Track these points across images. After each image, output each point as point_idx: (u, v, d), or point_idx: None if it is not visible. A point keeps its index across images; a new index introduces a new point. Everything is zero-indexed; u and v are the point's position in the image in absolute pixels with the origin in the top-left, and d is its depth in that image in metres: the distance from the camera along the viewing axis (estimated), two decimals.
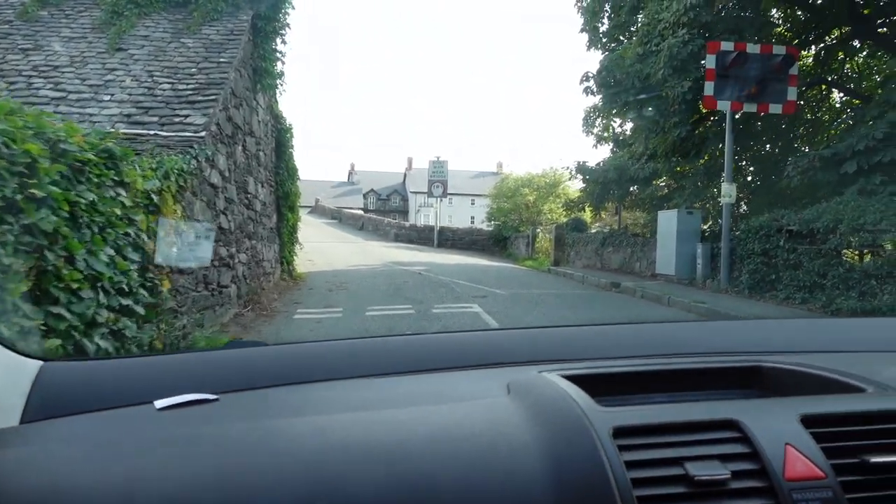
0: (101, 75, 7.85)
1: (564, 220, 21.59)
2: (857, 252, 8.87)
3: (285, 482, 0.73)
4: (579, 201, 19.97)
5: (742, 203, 14.93)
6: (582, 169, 17.48)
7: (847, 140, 9.81)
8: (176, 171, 5.26)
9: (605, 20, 15.06)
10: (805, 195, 11.62)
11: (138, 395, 0.98)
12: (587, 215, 21.13)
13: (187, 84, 7.82)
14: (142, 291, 3.83)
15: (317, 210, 47.80)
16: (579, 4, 15.38)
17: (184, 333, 4.98)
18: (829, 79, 14.51)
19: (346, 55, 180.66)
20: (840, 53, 14.47)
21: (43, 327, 2.50)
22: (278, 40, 10.23)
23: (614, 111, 15.21)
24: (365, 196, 64.69)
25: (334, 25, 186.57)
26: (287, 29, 10.26)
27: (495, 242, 25.33)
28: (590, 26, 15.16)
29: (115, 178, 3.62)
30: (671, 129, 12.04)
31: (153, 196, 4.47)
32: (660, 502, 0.73)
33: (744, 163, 15.62)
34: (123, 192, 3.73)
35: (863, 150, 9.38)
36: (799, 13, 13.95)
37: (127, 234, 3.64)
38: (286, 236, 12.26)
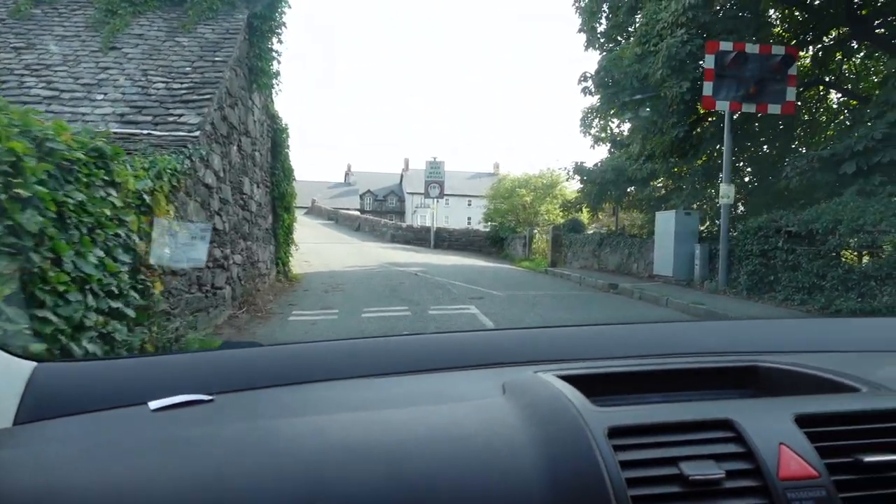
0: (94, 74, 7.76)
1: (561, 221, 21.55)
2: (856, 253, 8.82)
3: (283, 482, 0.73)
4: (577, 202, 19.93)
5: (739, 204, 14.90)
6: (579, 169, 17.45)
7: (846, 141, 9.77)
8: (169, 170, 5.18)
9: (603, 20, 15.02)
10: (803, 196, 11.59)
11: (132, 396, 0.97)
12: (584, 216, 21.09)
13: (182, 83, 7.74)
14: (132, 294, 3.75)
15: (313, 211, 47.69)
16: (577, 4, 15.35)
17: (176, 336, 4.89)
18: (827, 79, 14.49)
19: (342, 55, 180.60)
20: (838, 54, 14.45)
21: (28, 331, 2.42)
22: (274, 39, 10.18)
23: (612, 111, 15.18)
24: (361, 197, 64.59)
25: (330, 25, 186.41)
26: (283, 28, 10.22)
27: (492, 243, 25.27)
28: (588, 26, 15.12)
29: (106, 177, 3.54)
30: (669, 130, 11.99)
31: (145, 196, 4.39)
32: (654, 502, 0.72)
33: (741, 164, 15.59)
34: (114, 192, 3.65)
35: (862, 151, 9.34)
36: (797, 14, 13.93)
37: (117, 235, 3.56)
38: (282, 237, 12.18)
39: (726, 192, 10.74)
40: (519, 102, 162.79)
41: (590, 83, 14.07)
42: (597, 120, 17.17)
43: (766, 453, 0.77)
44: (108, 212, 3.41)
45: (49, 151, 2.87)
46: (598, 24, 15.16)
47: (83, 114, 6.81)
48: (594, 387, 0.94)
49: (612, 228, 18.57)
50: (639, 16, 13.14)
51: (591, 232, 19.09)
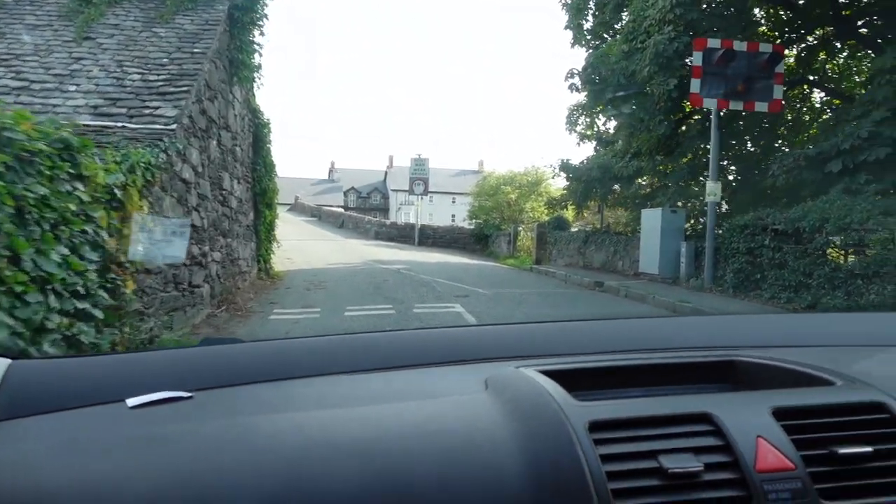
0: (66, 65, 7.49)
1: (546, 218, 21.48)
2: (842, 251, 8.81)
3: (262, 479, 0.72)
4: (562, 199, 19.85)
5: (723, 202, 14.89)
6: (565, 167, 17.35)
7: (832, 139, 9.76)
8: (143, 164, 4.96)
9: (590, 17, 14.92)
10: (787, 194, 11.59)
11: (110, 393, 0.95)
12: (569, 214, 21.03)
13: (158, 75, 7.50)
14: (101, 293, 3.56)
15: (296, 207, 47.28)
16: (563, 1, 15.23)
17: (150, 337, 4.69)
18: (811, 78, 14.53)
19: (326, 48, 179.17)
20: (822, 53, 14.50)
21: None
22: (256, 31, 9.92)
23: (599, 108, 15.09)
24: (345, 194, 64.12)
25: (313, 17, 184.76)
26: (265, 20, 9.96)
27: (477, 241, 25.15)
28: (574, 24, 15.01)
29: (72, 170, 3.34)
30: (656, 127, 11.92)
31: (116, 191, 4.18)
32: (634, 495, 0.73)
33: (725, 162, 15.57)
34: (81, 186, 3.45)
35: (848, 149, 9.33)
36: (781, 13, 13.95)
37: (84, 232, 3.37)
38: (263, 234, 11.94)
39: (713, 189, 10.70)
40: (504, 100, 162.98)
41: (577, 80, 13.97)
42: (583, 117, 17.09)
43: (743, 446, 0.78)
44: (73, 207, 3.22)
45: (6, 142, 2.67)
46: (584, 22, 15.05)
47: (54, 105, 6.56)
48: (576, 382, 0.94)
49: (597, 226, 18.52)
50: (625, 13, 13.05)
51: (576, 230, 19.02)
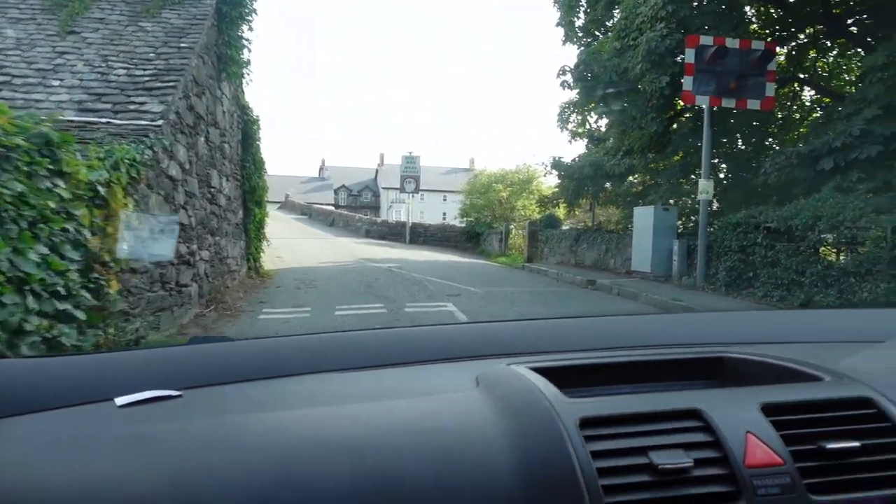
0: (50, 59, 7.33)
1: (538, 216, 21.44)
2: (835, 249, 8.79)
3: (251, 478, 0.72)
4: (554, 197, 19.81)
5: (714, 200, 14.90)
6: (557, 164, 17.30)
7: (824, 137, 9.76)
8: (128, 161, 4.84)
9: (581, 15, 14.86)
10: (778, 192, 11.58)
11: (98, 392, 0.94)
12: (560, 212, 21.00)
13: (145, 70, 7.35)
14: (83, 294, 3.44)
15: (286, 205, 46.97)
16: None
17: (136, 338, 4.58)
18: (801, 77, 14.55)
19: (317, 46, 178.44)
20: (812, 52, 14.52)
21: None
22: (245, 27, 9.78)
23: (591, 106, 15.04)
24: (336, 192, 63.85)
25: (303, 13, 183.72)
26: (254, 15, 9.83)
27: (468, 239, 25.08)
28: (566, 21, 14.95)
29: (52, 166, 3.23)
30: (648, 125, 11.87)
31: (100, 188, 4.07)
32: (625, 491, 0.73)
33: (716, 160, 15.59)
34: (62, 183, 3.34)
35: (839, 147, 9.32)
36: (772, 11, 13.95)
37: (65, 230, 3.25)
38: (253, 232, 11.79)
39: (705, 187, 10.67)
40: (496, 97, 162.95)
41: (569, 77, 13.91)
42: (574, 115, 17.05)
43: (733, 442, 0.78)
44: (53, 204, 3.10)
45: None
46: (576, 19, 15.00)
47: (36, 100, 6.40)
48: (567, 379, 0.94)
49: (588, 224, 18.49)
50: (617, 10, 12.99)
51: (567, 228, 18.99)
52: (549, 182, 22.85)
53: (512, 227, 22.42)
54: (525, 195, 27.09)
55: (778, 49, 13.65)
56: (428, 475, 0.73)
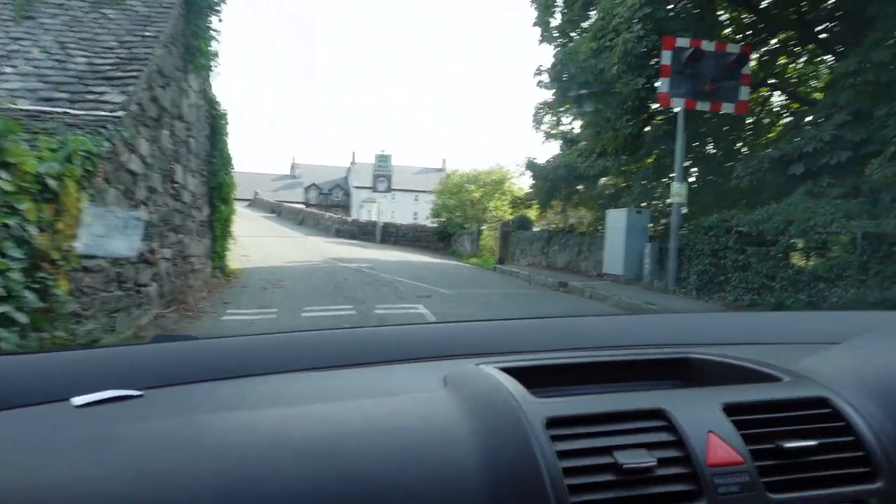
0: (3, 45, 6.95)
1: (510, 217, 21.39)
2: (805, 254, 8.86)
3: (213, 479, 0.70)
4: (527, 199, 19.77)
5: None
6: (531, 165, 17.24)
7: (795, 142, 9.84)
8: (83, 153, 4.55)
9: (558, 15, 14.81)
10: (747, 196, 11.67)
11: (54, 391, 0.91)
12: (533, 213, 20.98)
13: (105, 58, 7.02)
14: (27, 294, 3.18)
15: (255, 203, 46.22)
16: None
17: (89, 341, 4.30)
18: (772, 82, 14.73)
19: (289, 42, 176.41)
20: (783, 57, 14.70)
21: None
22: (214, 18, 9.46)
23: (566, 107, 15.01)
24: (306, 190, 63.07)
25: (274, 7, 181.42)
26: (223, 5, 9.51)
27: (439, 239, 24.94)
28: (542, 20, 14.88)
29: None
30: (623, 127, 11.86)
31: (49, 181, 3.79)
32: (589, 490, 0.74)
33: (687, 163, 15.72)
34: (4, 175, 3.08)
35: (811, 152, 9.40)
36: (744, 17, 14.09)
37: (6, 226, 3.00)
38: (218, 230, 11.43)
39: (678, 190, 10.68)
40: (469, 97, 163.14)
41: (545, 77, 13.85)
42: (548, 116, 17.01)
43: (695, 441, 0.79)
44: None
45: None
46: (552, 19, 14.95)
47: None
48: (535, 379, 0.94)
49: (560, 226, 18.49)
50: (593, 11, 12.97)
51: (539, 229, 18.96)
52: (523, 183, 22.83)
53: (484, 227, 22.34)
54: (497, 196, 27.05)
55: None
56: (393, 475, 0.72)
